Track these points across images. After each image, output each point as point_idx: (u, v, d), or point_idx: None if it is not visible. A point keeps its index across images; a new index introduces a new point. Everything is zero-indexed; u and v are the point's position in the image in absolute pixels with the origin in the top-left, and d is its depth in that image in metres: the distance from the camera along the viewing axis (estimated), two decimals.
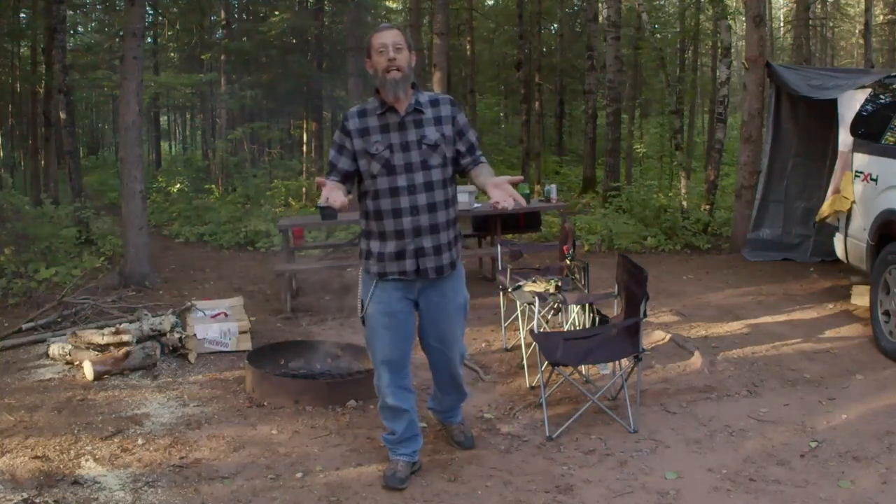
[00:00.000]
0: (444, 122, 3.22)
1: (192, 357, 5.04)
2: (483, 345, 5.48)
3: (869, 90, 6.28)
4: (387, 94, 3.15)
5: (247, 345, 5.22)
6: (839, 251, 6.21)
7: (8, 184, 15.53)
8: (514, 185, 2.96)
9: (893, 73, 6.39)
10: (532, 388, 4.50)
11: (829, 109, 6.84)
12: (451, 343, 3.43)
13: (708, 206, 10.12)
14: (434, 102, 3.25)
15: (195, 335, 5.13)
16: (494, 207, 2.93)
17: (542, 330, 4.84)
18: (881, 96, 6.11)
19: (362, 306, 3.34)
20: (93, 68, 17.24)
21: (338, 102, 19.91)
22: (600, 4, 16.40)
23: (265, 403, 4.29)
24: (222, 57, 16.54)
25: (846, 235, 6.01)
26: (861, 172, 5.82)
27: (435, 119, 3.21)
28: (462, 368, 3.59)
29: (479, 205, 7.06)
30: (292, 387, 4.37)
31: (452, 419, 3.75)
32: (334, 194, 2.95)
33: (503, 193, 2.90)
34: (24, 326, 5.68)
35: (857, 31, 23.31)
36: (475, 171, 3.26)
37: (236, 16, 19.29)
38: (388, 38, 3.12)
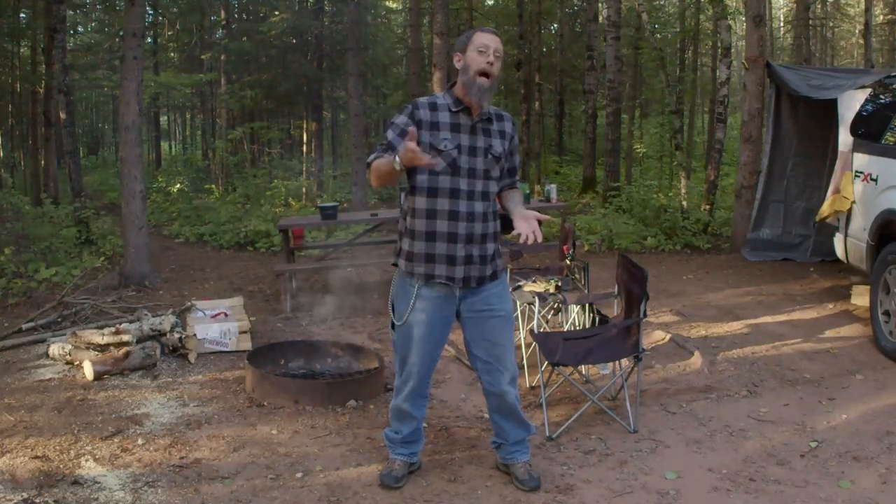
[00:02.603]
0: (506, 137, 3.19)
1: (192, 357, 5.04)
2: None
3: (869, 90, 6.29)
4: (471, 96, 3.07)
5: (247, 345, 5.22)
6: (839, 251, 6.21)
7: (8, 184, 15.58)
8: (540, 222, 2.95)
9: (893, 73, 6.39)
10: (532, 388, 4.50)
11: (829, 109, 6.84)
12: (502, 356, 3.25)
13: (708, 206, 10.12)
14: (499, 117, 3.21)
15: (195, 335, 5.12)
16: (516, 239, 2.88)
17: (542, 330, 4.84)
18: (881, 96, 6.11)
19: (394, 312, 3.23)
20: (93, 68, 17.27)
21: (338, 102, 19.94)
22: (600, 4, 16.39)
23: (265, 403, 4.29)
24: (222, 57, 16.55)
25: (846, 235, 6.01)
26: (861, 172, 5.82)
27: (500, 132, 3.18)
28: (516, 391, 3.34)
29: None
30: (292, 387, 4.37)
31: (516, 457, 3.39)
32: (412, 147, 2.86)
33: (528, 227, 2.90)
34: (24, 326, 5.68)
35: (857, 31, 23.31)
36: (507, 193, 3.24)
37: (236, 16, 19.31)
38: (493, 43, 3.06)
